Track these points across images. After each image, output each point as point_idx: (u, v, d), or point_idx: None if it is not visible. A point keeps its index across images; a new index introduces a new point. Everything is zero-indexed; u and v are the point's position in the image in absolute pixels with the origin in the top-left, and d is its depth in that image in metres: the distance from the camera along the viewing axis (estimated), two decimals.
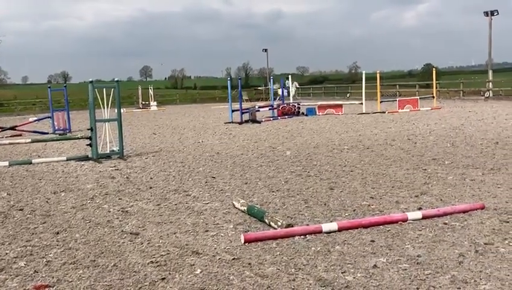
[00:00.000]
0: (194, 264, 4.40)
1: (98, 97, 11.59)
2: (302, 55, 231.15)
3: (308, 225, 5.47)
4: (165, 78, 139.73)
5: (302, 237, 5.04)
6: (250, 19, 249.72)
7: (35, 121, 21.75)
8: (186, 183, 8.23)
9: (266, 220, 5.56)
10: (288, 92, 32.08)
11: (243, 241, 4.93)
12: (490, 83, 36.31)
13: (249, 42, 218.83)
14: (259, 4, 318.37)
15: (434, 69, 31.67)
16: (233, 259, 4.50)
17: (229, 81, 23.71)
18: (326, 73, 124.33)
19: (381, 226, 5.30)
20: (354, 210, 6.12)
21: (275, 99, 28.91)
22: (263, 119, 22.05)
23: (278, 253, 4.61)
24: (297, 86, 44.52)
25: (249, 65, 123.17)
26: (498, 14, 37.55)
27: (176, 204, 6.80)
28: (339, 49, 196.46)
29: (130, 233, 5.48)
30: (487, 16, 37.63)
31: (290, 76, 31.70)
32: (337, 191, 7.21)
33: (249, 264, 4.36)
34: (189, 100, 56.03)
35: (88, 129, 11.69)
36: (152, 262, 4.49)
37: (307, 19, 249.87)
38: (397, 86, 44.59)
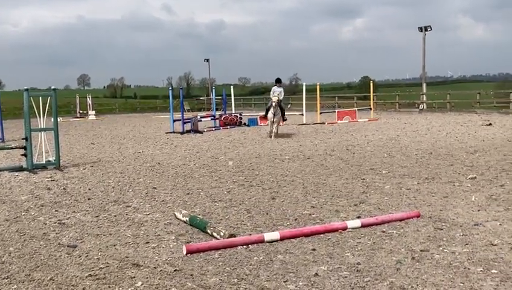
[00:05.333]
0: (134, 277, 4.30)
1: (34, 106, 11.17)
2: (244, 66, 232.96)
3: (250, 234, 5.49)
4: (104, 87, 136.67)
5: (244, 246, 5.04)
6: (192, 29, 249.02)
7: None
8: (126, 195, 8.06)
9: (208, 231, 5.52)
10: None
11: (185, 253, 4.87)
12: (424, 96, 37.84)
13: (191, 52, 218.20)
14: (201, 14, 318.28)
15: (371, 81, 32.72)
16: (175, 271, 4.43)
17: (170, 91, 23.49)
18: (268, 84, 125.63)
19: (322, 235, 5.39)
20: (296, 219, 6.19)
21: (217, 109, 28.90)
22: (205, 130, 21.98)
23: (221, 263, 4.59)
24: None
25: (190, 75, 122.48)
26: (431, 29, 39.35)
27: (115, 215, 6.64)
28: (280, 60, 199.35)
29: (68, 246, 5.29)
30: (421, 31, 39.32)
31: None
32: (279, 200, 7.28)
33: (191, 275, 4.31)
34: (129, 109, 55.09)
35: (23, 139, 11.24)
36: (91, 275, 4.36)
37: (248, 30, 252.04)
38: (336, 97, 45.71)
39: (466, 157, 11.12)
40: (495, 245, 4.92)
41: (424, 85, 39.90)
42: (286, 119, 18.91)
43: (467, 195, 7.24)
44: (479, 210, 6.36)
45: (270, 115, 17.56)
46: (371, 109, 28.54)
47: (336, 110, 27.53)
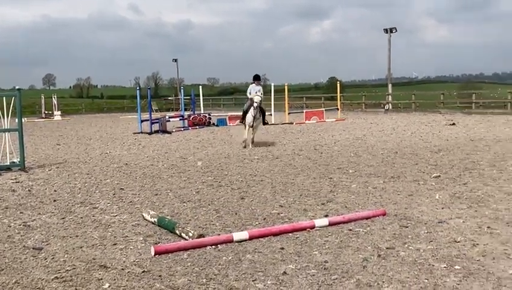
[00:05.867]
0: (101, 279, 4.26)
1: None
2: (213, 66, 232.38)
3: (219, 234, 5.49)
4: (70, 87, 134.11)
5: (213, 247, 5.05)
6: (160, 28, 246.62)
7: None
8: (93, 196, 7.96)
9: (177, 231, 5.50)
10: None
11: (153, 254, 4.85)
12: (390, 96, 38.49)
13: (159, 52, 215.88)
14: (168, 14, 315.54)
15: (338, 82, 33.08)
16: (143, 272, 4.41)
17: (138, 91, 23.26)
18: (237, 84, 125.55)
19: (290, 234, 5.44)
20: (265, 218, 6.23)
21: (186, 109, 28.76)
22: (174, 130, 21.85)
23: (189, 264, 4.59)
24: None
25: (158, 75, 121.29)
26: (396, 31, 40.05)
27: (82, 217, 6.55)
28: (248, 61, 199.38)
29: (33, 248, 5.20)
30: (386, 32, 39.96)
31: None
32: (248, 200, 7.30)
33: (160, 276, 4.30)
34: (95, 110, 54.29)
35: None
36: (57, 278, 4.29)
37: (216, 30, 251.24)
38: (304, 98, 46.05)
39: (430, 156, 11.36)
40: (458, 242, 5.05)
41: (390, 86, 40.58)
42: (267, 123, 16.16)
43: (431, 193, 7.40)
44: (442, 208, 6.52)
45: (249, 118, 14.17)
46: (338, 109, 28.87)
47: (304, 111, 27.75)
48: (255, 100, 14.02)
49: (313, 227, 5.65)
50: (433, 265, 4.39)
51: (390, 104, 36.42)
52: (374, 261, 4.53)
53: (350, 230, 5.57)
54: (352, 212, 6.30)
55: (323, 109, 28.63)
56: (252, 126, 14.35)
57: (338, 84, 31.41)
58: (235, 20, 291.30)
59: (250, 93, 14.55)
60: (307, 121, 25.00)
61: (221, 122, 24.66)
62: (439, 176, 8.78)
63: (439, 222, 5.81)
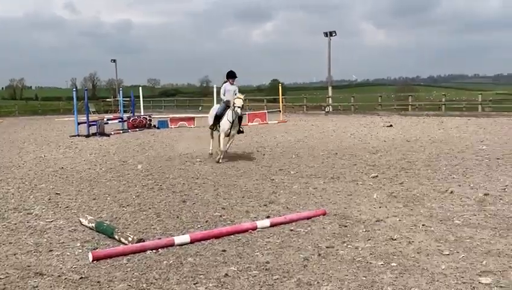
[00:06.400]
0: (37, 286, 4.10)
1: None
2: (153, 67, 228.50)
3: (160, 238, 5.41)
4: (2, 88, 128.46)
5: (154, 251, 4.96)
6: (98, 28, 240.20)
7: None
8: (27, 201, 7.65)
9: (116, 236, 5.38)
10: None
11: (91, 260, 4.71)
12: (330, 99, 39.27)
13: (97, 52, 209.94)
14: (106, 13, 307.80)
15: (280, 85, 33.45)
16: (80, 278, 4.27)
17: (74, 92, 22.54)
18: (178, 86, 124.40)
19: (232, 236, 5.43)
20: (207, 221, 6.19)
21: (125, 111, 28.21)
22: (112, 132, 21.36)
23: (129, 269, 4.49)
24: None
25: (96, 76, 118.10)
26: (336, 35, 40.87)
27: (15, 223, 6.28)
28: (190, 62, 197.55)
29: None
30: (326, 36, 40.74)
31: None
32: (190, 203, 7.24)
33: (98, 282, 4.18)
34: (29, 112, 52.16)
35: None
36: None
37: (157, 31, 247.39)
38: (247, 100, 46.16)
39: (369, 157, 11.68)
40: (395, 240, 5.21)
41: (330, 88, 41.39)
42: (242, 131, 12.48)
43: (369, 193, 7.60)
44: (380, 207, 6.71)
45: (225, 124, 11.54)
46: (280, 111, 29.17)
47: (247, 113, 27.85)
48: (236, 104, 11.25)
49: (255, 228, 5.67)
50: (370, 263, 4.50)
51: (330, 107, 37.16)
52: (314, 261, 4.60)
53: (291, 230, 5.63)
54: (294, 213, 6.37)
55: (266, 111, 28.86)
56: (229, 134, 11.70)
57: (280, 87, 31.73)
58: (176, 21, 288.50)
59: (224, 94, 11.86)
60: (249, 123, 25.09)
61: (163, 124, 24.33)
62: (377, 176, 9.03)
63: (376, 221, 5.97)
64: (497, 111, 28.25)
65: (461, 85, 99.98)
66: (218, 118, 11.79)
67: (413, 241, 5.14)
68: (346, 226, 5.79)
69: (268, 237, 5.40)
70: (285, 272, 4.32)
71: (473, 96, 33.61)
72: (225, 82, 12.06)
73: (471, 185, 8.02)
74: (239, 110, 11.29)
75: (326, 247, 5.00)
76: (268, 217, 6.25)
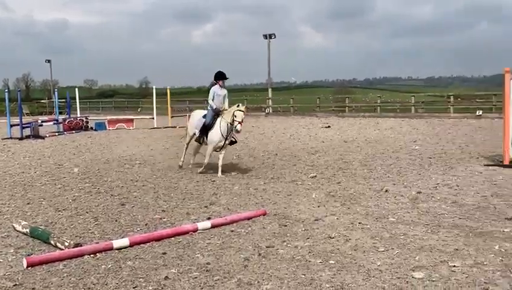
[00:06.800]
0: None
1: None
2: (90, 67, 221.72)
3: (98, 242, 5.30)
4: None
5: (92, 255, 4.85)
6: (31, 27, 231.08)
7: None
8: None
9: (52, 242, 5.22)
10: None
11: (25, 266, 4.55)
12: (270, 100, 39.63)
13: (30, 52, 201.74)
14: (42, 12, 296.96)
15: None
16: (14, 285, 4.12)
17: (6, 93, 21.59)
18: (116, 87, 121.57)
19: (173, 238, 5.40)
20: (146, 224, 6.12)
21: (61, 113, 27.32)
22: (47, 135, 20.63)
23: (66, 274, 4.37)
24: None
25: (29, 76, 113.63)
26: (275, 37, 41.29)
27: None
28: (129, 63, 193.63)
29: None
30: (266, 38, 41.09)
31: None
32: (129, 206, 7.12)
33: (33, 289, 4.05)
34: None
35: None
36: None
37: (94, 31, 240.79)
38: (187, 101, 45.84)
39: (307, 157, 11.90)
40: (333, 238, 5.35)
41: (270, 90, 41.78)
42: (236, 142, 10.62)
43: (308, 193, 7.75)
44: (318, 206, 6.86)
45: (216, 137, 9.78)
46: None
47: (187, 114, 27.62)
48: (237, 119, 9.53)
49: (195, 230, 5.66)
50: (309, 261, 4.60)
51: (270, 108, 37.52)
52: (254, 260, 4.65)
53: (232, 231, 5.66)
54: (234, 214, 6.40)
55: None
56: (222, 147, 9.95)
57: None
58: (114, 21, 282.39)
59: (213, 99, 10.01)
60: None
61: (100, 126, 23.75)
62: (316, 176, 9.22)
63: (315, 220, 6.10)
64: (429, 112, 29.48)
65: (395, 87, 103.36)
66: (205, 128, 10.00)
67: (350, 239, 5.29)
68: (286, 225, 5.88)
69: (209, 239, 5.40)
70: (226, 272, 4.34)
71: (407, 98, 34.87)
72: (213, 84, 10.28)
73: (405, 183, 8.35)
74: (239, 127, 9.58)
75: (267, 247, 5.06)
76: (209, 218, 6.26)
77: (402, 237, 5.36)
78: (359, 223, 5.94)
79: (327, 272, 4.31)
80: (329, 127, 21.97)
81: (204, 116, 10.18)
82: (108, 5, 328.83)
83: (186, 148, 10.85)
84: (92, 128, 23.45)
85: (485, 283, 4.01)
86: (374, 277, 4.20)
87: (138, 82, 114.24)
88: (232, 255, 4.83)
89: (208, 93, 10.24)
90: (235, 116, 9.57)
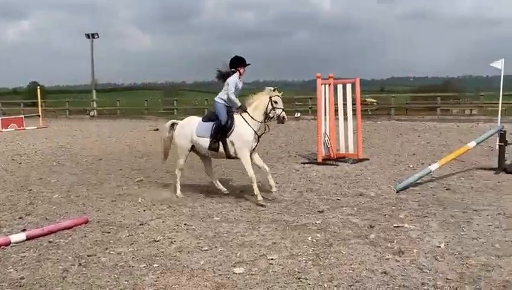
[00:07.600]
0: None
1: None
2: None
3: None
4: None
5: None
6: None
7: None
8: None
9: None
10: None
11: None
12: (94, 103, 38.05)
13: None
14: None
15: (39, 87, 31.27)
16: None
17: None
18: None
19: None
20: None
21: None
22: None
23: None
24: None
25: None
26: (98, 37, 39.70)
27: None
28: None
29: None
30: (89, 38, 39.35)
31: None
32: None
33: None
34: None
35: None
36: None
37: None
38: (0, 104, 41.90)
39: (134, 161, 11.69)
40: (158, 241, 5.34)
41: (94, 92, 40.17)
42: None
43: (134, 197, 7.62)
44: (144, 210, 6.79)
45: (248, 132, 7.32)
46: (39, 116, 27.22)
47: (1, 118, 25.28)
48: (277, 104, 7.36)
49: (8, 243, 5.22)
50: (133, 266, 4.54)
51: (95, 111, 36.04)
52: (74, 271, 4.45)
53: (50, 242, 5.34)
54: (53, 224, 6.03)
55: (23, 115, 26.63)
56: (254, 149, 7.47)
57: (39, 90, 29.59)
58: None
59: (235, 90, 7.52)
60: (4, 130, 22.83)
61: None
62: (142, 179, 9.10)
63: (140, 224, 6.03)
64: None
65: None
66: (224, 129, 7.40)
67: (175, 241, 5.33)
68: (109, 232, 5.72)
69: (23, 252, 5.02)
70: (42, 286, 4.09)
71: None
72: (232, 72, 7.58)
73: (230, 183, 8.65)
74: (285, 114, 7.42)
75: (88, 255, 4.87)
76: (24, 230, 5.81)
77: (225, 234, 5.56)
78: (185, 224, 6.02)
79: (151, 276, 4.29)
80: (157, 130, 21.80)
81: (204, 119, 7.80)
82: None
83: (181, 169, 7.97)
84: None
85: (298, 272, 4.36)
86: (197, 276, 4.30)
87: None
88: (50, 267, 4.56)
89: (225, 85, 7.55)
90: (275, 103, 7.36)
